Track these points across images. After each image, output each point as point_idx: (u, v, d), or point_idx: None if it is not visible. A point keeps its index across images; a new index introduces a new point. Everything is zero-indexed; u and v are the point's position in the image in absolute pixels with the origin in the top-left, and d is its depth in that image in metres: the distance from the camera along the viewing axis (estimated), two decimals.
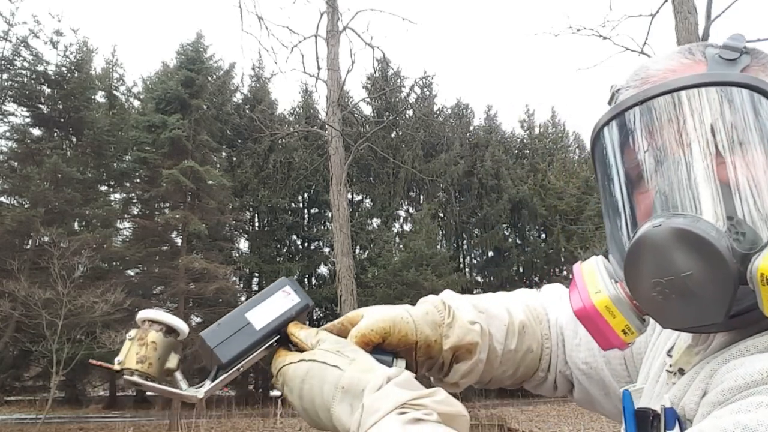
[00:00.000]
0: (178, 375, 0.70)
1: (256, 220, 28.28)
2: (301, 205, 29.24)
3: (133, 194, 22.24)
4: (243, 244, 27.62)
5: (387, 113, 27.97)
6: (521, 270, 30.43)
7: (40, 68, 19.03)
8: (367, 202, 29.19)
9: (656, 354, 0.67)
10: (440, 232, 28.94)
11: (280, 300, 0.72)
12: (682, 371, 0.56)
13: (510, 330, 0.81)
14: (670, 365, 0.58)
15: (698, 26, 8.05)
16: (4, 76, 18.69)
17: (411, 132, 28.53)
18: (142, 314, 0.69)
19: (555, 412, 17.80)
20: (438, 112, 31.89)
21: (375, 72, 28.64)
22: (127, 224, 22.54)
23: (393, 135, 28.89)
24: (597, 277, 0.57)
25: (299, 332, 0.70)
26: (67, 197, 17.93)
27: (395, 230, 28.44)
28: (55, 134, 20.11)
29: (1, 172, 18.66)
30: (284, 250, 27.89)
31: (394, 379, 0.60)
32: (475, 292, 30.42)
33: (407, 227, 29.02)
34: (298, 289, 0.74)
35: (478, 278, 30.79)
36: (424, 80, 28.47)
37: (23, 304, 13.98)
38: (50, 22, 37.77)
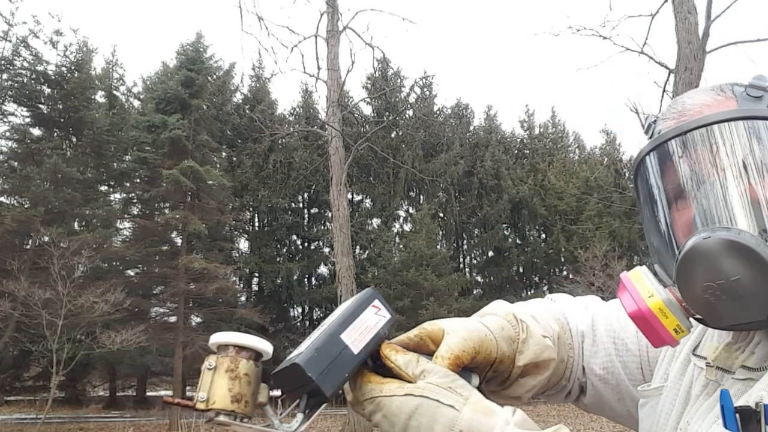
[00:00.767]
0: (269, 410, 0.60)
1: (256, 220, 28.28)
2: (301, 205, 29.24)
3: (133, 194, 22.24)
4: (243, 244, 27.65)
5: (387, 113, 27.98)
6: (521, 270, 30.43)
7: (40, 68, 19.03)
8: (367, 202, 29.19)
9: (675, 354, 0.74)
10: (440, 232, 28.93)
11: (372, 316, 0.65)
12: (722, 369, 0.63)
13: (554, 341, 0.81)
14: (709, 362, 0.64)
15: (698, 26, 8.06)
16: (4, 76, 18.69)
17: (411, 132, 28.54)
18: (224, 338, 0.59)
19: (555, 412, 17.80)
20: (438, 112, 31.89)
21: (375, 72, 28.65)
22: (127, 224, 22.55)
23: (393, 135, 28.89)
24: (647, 283, 0.64)
25: (397, 358, 0.63)
26: (67, 197, 17.93)
27: (395, 230, 28.45)
28: (55, 134, 20.11)
29: (1, 172, 18.67)
30: (284, 250, 27.89)
31: (513, 419, 0.58)
32: (474, 291, 30.42)
33: (407, 227, 29.02)
34: (384, 302, 0.67)
35: (478, 278, 30.79)
36: (424, 80, 28.50)
37: (23, 304, 13.98)
38: (50, 22, 37.80)
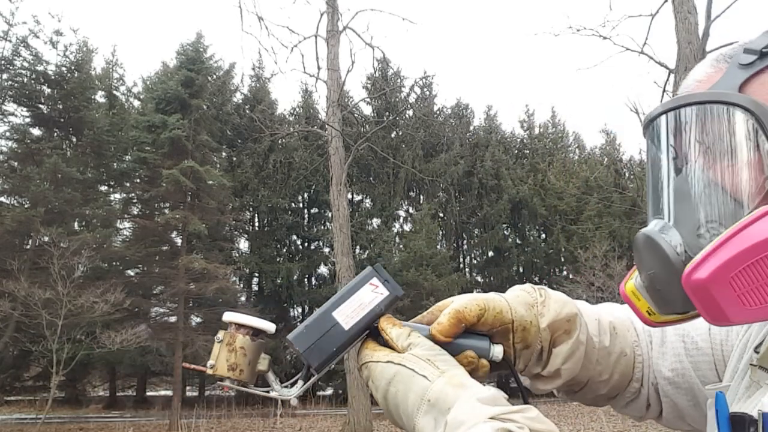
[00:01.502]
0: (271, 375, 0.70)
1: (256, 220, 28.28)
2: (301, 205, 29.24)
3: (133, 194, 22.23)
4: (243, 244, 27.64)
5: (387, 113, 27.97)
6: (521, 270, 30.43)
7: (40, 68, 19.02)
8: (367, 202, 29.19)
9: (746, 349, 0.68)
10: (440, 232, 28.93)
11: (368, 294, 0.69)
12: (765, 369, 0.57)
13: (601, 326, 0.79)
14: (755, 361, 0.59)
15: (698, 26, 8.06)
16: (4, 76, 18.68)
17: (411, 132, 28.54)
18: (228, 317, 0.69)
19: (555, 412, 17.80)
20: (438, 112, 31.88)
21: (375, 72, 28.65)
22: (127, 224, 22.54)
23: (393, 135, 28.89)
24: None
25: (391, 330, 0.68)
26: (67, 197, 17.92)
27: (395, 230, 28.44)
28: (55, 134, 20.10)
29: (1, 172, 18.66)
30: (284, 250, 27.88)
31: (480, 394, 0.58)
32: (474, 291, 30.54)
33: (407, 227, 29.02)
34: (387, 279, 0.70)
35: (478, 278, 30.78)
36: (424, 80, 28.51)
37: (23, 304, 13.98)
38: (50, 22, 37.71)
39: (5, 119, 19.11)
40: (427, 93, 30.79)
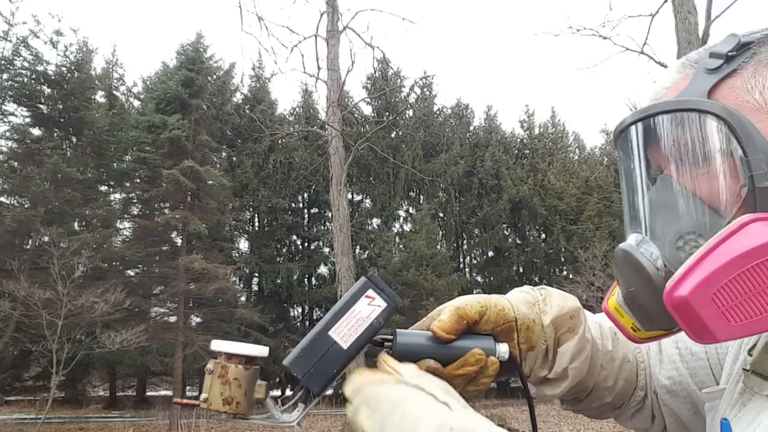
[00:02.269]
0: (270, 402, 0.65)
1: (256, 220, 28.28)
2: (301, 205, 29.24)
3: (133, 194, 22.24)
4: (243, 244, 27.64)
5: (387, 113, 27.98)
6: (521, 270, 30.43)
7: (40, 68, 19.03)
8: (367, 202, 29.19)
9: (740, 351, 0.66)
10: (440, 232, 28.94)
11: (365, 308, 0.65)
12: (759, 374, 0.54)
13: (603, 330, 0.77)
14: (746, 367, 0.57)
15: (698, 26, 8.05)
16: (4, 76, 18.69)
17: (411, 132, 28.54)
18: (217, 346, 0.64)
19: (555, 412, 17.79)
20: (438, 112, 31.89)
21: (375, 72, 28.66)
22: (127, 224, 22.55)
23: (393, 135, 28.89)
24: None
25: (395, 365, 0.61)
26: (67, 197, 17.93)
27: (395, 230, 28.45)
28: (55, 134, 20.11)
29: (1, 172, 18.66)
30: (284, 250, 27.88)
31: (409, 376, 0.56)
32: (475, 291, 30.45)
33: (407, 227, 29.03)
34: (383, 289, 0.66)
35: (478, 278, 30.78)
36: (424, 80, 28.52)
37: (23, 304, 13.98)
38: (50, 22, 37.79)
39: (5, 119, 19.12)
40: (427, 93, 30.80)
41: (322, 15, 13.68)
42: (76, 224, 20.03)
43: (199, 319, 21.71)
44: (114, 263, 20.53)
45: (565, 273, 28.51)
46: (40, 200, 17.42)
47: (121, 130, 21.59)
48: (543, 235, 31.06)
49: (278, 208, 26.58)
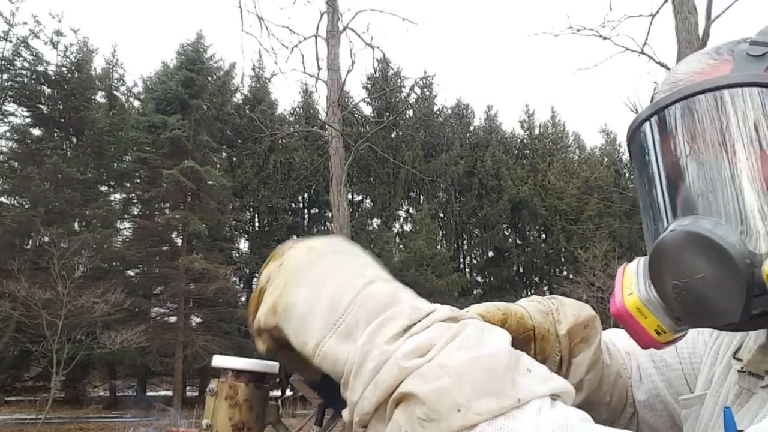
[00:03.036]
0: (283, 426, 0.60)
1: (256, 220, 28.29)
2: (301, 205, 29.25)
3: (133, 194, 22.25)
4: (243, 244, 27.65)
5: (387, 113, 27.98)
6: (521, 270, 30.43)
7: (40, 68, 19.04)
8: (367, 202, 29.20)
9: (718, 357, 0.65)
10: (440, 232, 28.95)
11: None
12: (754, 375, 0.53)
13: (602, 341, 0.74)
14: (742, 367, 0.55)
15: (698, 26, 8.05)
16: (4, 76, 18.70)
17: (411, 132, 28.54)
18: (222, 362, 0.56)
19: None
20: (438, 112, 31.90)
21: (375, 72, 28.67)
22: (127, 224, 22.56)
23: (393, 135, 28.90)
24: (633, 278, 0.56)
25: None
26: (67, 197, 17.94)
27: (395, 230, 28.45)
28: (55, 134, 20.12)
29: (1, 172, 18.67)
30: None
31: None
32: (475, 292, 30.41)
33: (407, 227, 29.04)
34: None
35: (478, 278, 30.79)
36: (424, 80, 28.50)
37: (23, 304, 13.98)
38: (50, 22, 37.78)
39: (5, 119, 19.14)
40: (427, 93, 30.81)
41: (322, 15, 13.67)
42: (76, 224, 20.04)
43: (199, 320, 21.72)
44: (114, 263, 20.53)
45: (565, 273, 28.51)
46: (41, 200, 17.42)
47: (121, 131, 21.60)
48: (543, 236, 31.07)
49: (278, 208, 26.59)
